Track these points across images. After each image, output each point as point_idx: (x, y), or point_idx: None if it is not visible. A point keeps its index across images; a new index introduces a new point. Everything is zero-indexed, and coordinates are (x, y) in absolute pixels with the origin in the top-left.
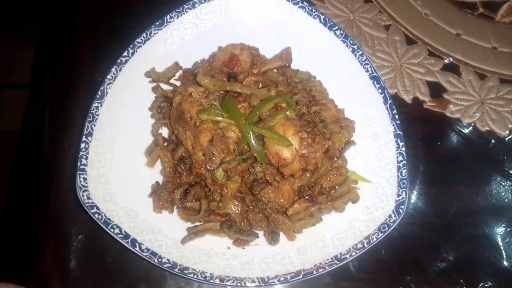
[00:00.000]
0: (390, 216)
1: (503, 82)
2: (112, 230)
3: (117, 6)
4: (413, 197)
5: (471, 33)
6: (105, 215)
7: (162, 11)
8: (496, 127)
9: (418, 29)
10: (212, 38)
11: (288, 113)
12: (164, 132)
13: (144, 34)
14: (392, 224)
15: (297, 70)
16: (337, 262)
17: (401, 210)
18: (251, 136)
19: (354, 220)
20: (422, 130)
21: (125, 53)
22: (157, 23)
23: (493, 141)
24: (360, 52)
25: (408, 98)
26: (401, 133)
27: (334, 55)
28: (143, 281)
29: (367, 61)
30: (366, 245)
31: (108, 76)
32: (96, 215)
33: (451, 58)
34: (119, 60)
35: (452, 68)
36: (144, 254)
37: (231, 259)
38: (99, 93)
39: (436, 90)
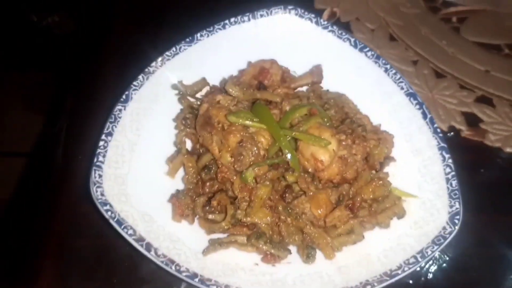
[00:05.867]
0: (444, 228)
1: None
2: (125, 230)
3: (151, 16)
4: (464, 226)
5: (500, 70)
6: (118, 214)
7: (194, 28)
8: None
9: (446, 64)
10: (241, 58)
11: (321, 120)
12: (187, 145)
13: (174, 48)
14: (448, 235)
15: (327, 90)
16: (387, 278)
17: (456, 221)
18: (284, 139)
19: (402, 236)
20: (463, 158)
21: (154, 63)
22: (188, 40)
23: None
24: (394, 71)
25: (444, 126)
26: (445, 145)
27: (366, 75)
28: None
29: (401, 79)
30: (420, 259)
31: (135, 82)
32: (109, 213)
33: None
34: (147, 69)
35: (486, 101)
36: (160, 259)
37: (260, 275)
38: (124, 97)
39: (472, 120)
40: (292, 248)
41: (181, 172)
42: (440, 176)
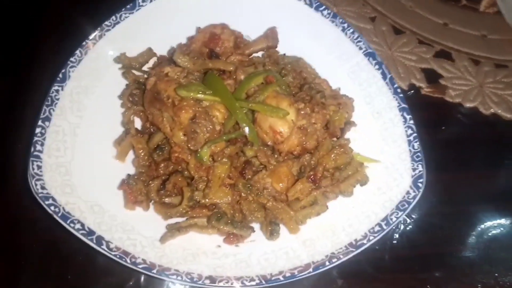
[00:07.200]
0: (408, 192)
1: (499, 67)
2: (72, 225)
3: None
4: (427, 185)
5: (458, 22)
6: (63, 208)
7: None
8: (500, 109)
9: (404, 20)
10: (189, 24)
11: (278, 89)
12: (137, 123)
13: (114, 17)
14: (412, 200)
15: (284, 54)
16: (353, 250)
17: (420, 184)
18: (240, 112)
19: (366, 204)
20: (424, 116)
21: (92, 36)
22: (128, 7)
23: (498, 124)
24: (351, 30)
25: (404, 85)
26: (406, 106)
27: (323, 36)
28: None
29: (360, 38)
30: (385, 227)
31: (72, 59)
32: (52, 208)
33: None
34: (84, 43)
35: (445, 55)
36: (113, 253)
37: (223, 258)
38: (60, 75)
39: (432, 76)
40: (255, 226)
41: (131, 155)
42: (401, 139)
